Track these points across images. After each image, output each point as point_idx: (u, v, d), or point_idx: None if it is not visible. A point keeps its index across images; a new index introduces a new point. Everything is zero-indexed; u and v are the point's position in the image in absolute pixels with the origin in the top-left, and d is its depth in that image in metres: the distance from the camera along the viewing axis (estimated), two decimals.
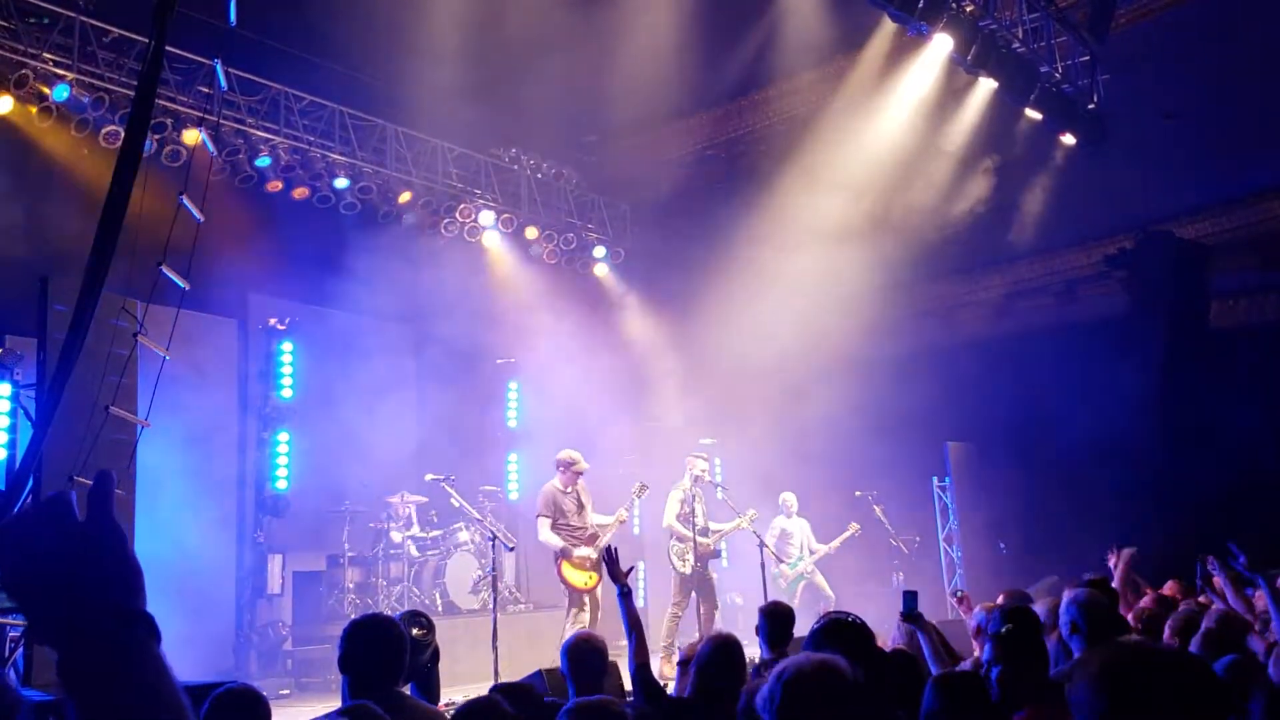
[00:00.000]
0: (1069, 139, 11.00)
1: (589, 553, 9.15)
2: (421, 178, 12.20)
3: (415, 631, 4.63)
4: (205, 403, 9.51)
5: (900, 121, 11.33)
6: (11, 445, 7.32)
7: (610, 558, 5.40)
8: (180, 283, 5.82)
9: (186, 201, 5.67)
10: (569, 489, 9.36)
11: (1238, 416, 11.58)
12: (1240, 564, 5.70)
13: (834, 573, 12.13)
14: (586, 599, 9.14)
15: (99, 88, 9.39)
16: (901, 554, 12.61)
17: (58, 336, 6.64)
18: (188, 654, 8.46)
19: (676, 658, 6.56)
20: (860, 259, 12.09)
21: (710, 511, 10.41)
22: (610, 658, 5.03)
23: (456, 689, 7.65)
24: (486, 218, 12.73)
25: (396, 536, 10.88)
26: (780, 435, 12.65)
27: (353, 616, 4.20)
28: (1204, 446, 11.29)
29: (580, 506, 9.40)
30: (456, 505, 9.77)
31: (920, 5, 9.08)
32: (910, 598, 5.24)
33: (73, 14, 9.36)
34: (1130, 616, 5.95)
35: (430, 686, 4.87)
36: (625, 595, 5.11)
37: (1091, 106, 10.91)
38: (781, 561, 11.33)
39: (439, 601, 10.82)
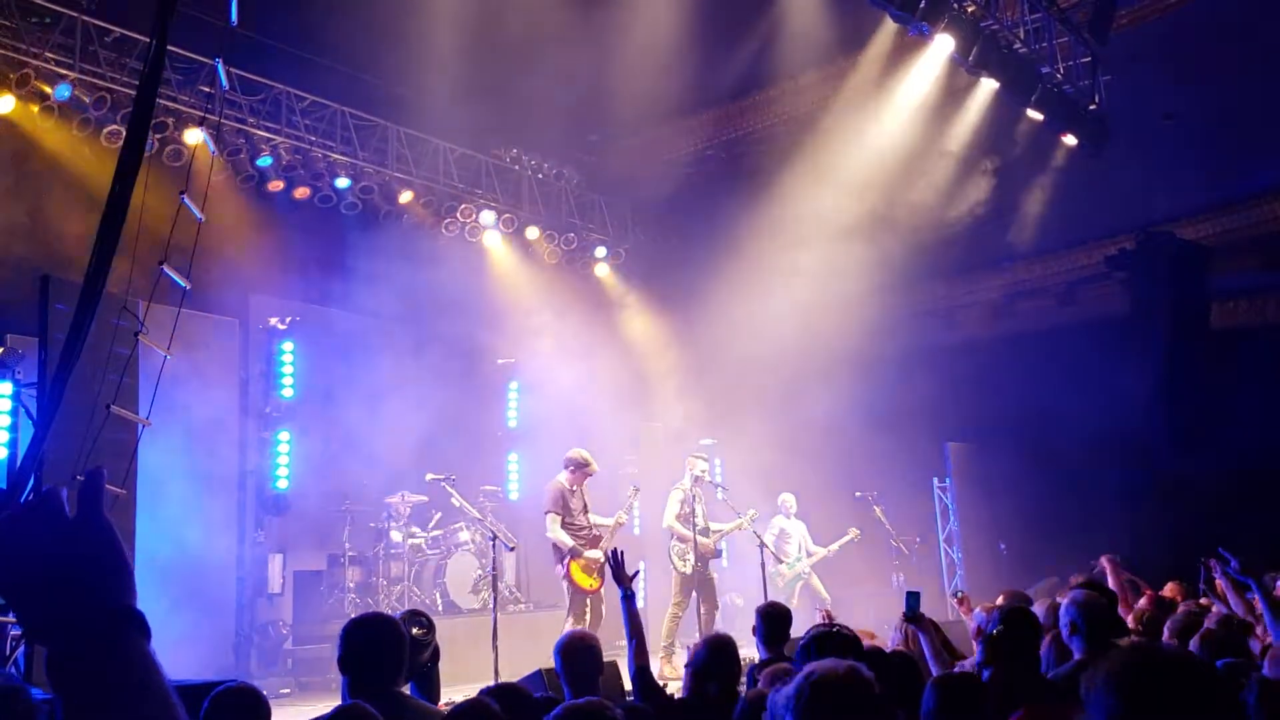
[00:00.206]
0: (1070, 140, 11.00)
1: (596, 555, 9.14)
2: (422, 178, 12.21)
3: (415, 631, 4.63)
4: (206, 402, 9.50)
5: (902, 122, 11.33)
6: (13, 444, 7.32)
7: (616, 561, 5.39)
8: (181, 282, 5.82)
9: (188, 201, 5.67)
10: (575, 488, 9.32)
11: (1238, 417, 11.58)
12: (1233, 569, 5.69)
13: (834, 574, 12.13)
14: (589, 601, 9.12)
15: (100, 87, 9.40)
16: (902, 554, 12.62)
17: (59, 336, 6.64)
18: (188, 653, 8.46)
19: (677, 658, 6.57)
20: (861, 259, 12.09)
21: (710, 512, 10.40)
22: (611, 657, 5.03)
23: (457, 689, 7.64)
24: (487, 218, 12.74)
25: (397, 536, 10.89)
26: (780, 435, 12.66)
27: (352, 616, 4.20)
28: (1205, 447, 11.30)
29: (584, 507, 9.38)
30: (457, 505, 9.77)
31: (922, 5, 9.08)
32: (913, 598, 5.24)
33: (74, 13, 9.37)
34: (1129, 618, 5.95)
35: (430, 686, 4.87)
36: (629, 598, 5.11)
37: (1093, 107, 10.91)
38: (781, 561, 11.33)
39: (439, 601, 10.83)
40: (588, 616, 9.06)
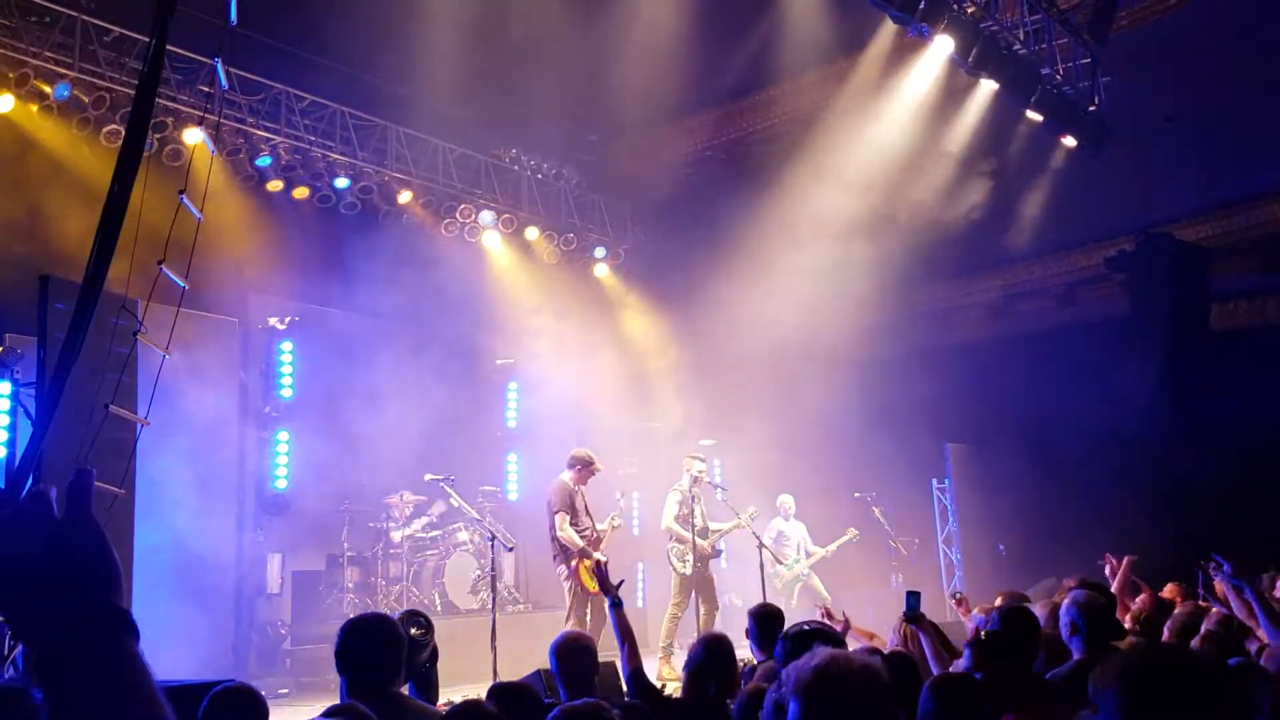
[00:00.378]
0: (1070, 141, 11.01)
1: (600, 556, 9.13)
2: (422, 177, 12.21)
3: (414, 631, 4.62)
4: (205, 402, 9.49)
5: (901, 123, 11.33)
6: (11, 443, 7.32)
7: (600, 572, 5.40)
8: (180, 282, 5.81)
9: (187, 201, 5.67)
10: (579, 488, 9.29)
11: (1238, 418, 11.58)
12: (1226, 572, 5.69)
13: (833, 574, 12.13)
14: (591, 603, 9.10)
15: (100, 86, 9.40)
16: (900, 555, 12.62)
17: (58, 335, 6.63)
18: (187, 652, 8.45)
19: (676, 659, 6.57)
20: (861, 260, 12.09)
21: (710, 512, 10.40)
22: (609, 658, 5.03)
23: (455, 689, 7.63)
24: (487, 218, 12.74)
25: (396, 536, 10.88)
26: (780, 436, 12.65)
27: (351, 616, 4.20)
28: (1205, 449, 11.30)
29: (586, 508, 9.35)
30: (456, 505, 9.76)
31: (921, 6, 9.09)
32: (913, 598, 5.24)
33: (74, 13, 9.37)
34: (1126, 618, 5.95)
35: (429, 686, 4.86)
36: (616, 606, 5.13)
37: (1092, 108, 10.91)
38: (779, 563, 11.32)
39: (438, 601, 10.82)
40: (588, 619, 9.04)
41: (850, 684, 2.28)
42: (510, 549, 9.81)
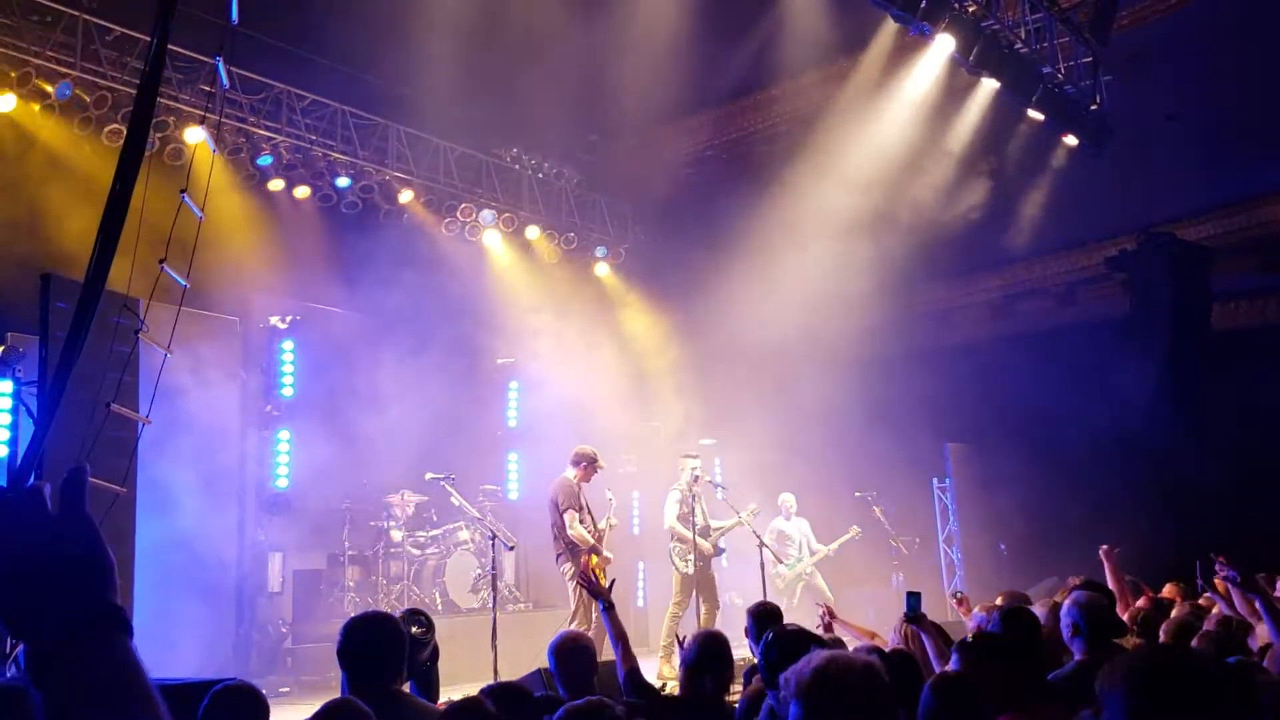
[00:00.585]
0: (1071, 140, 11.00)
1: (609, 555, 9.16)
2: (423, 177, 12.21)
3: (415, 630, 4.64)
4: (206, 401, 9.50)
5: (902, 122, 11.33)
6: (13, 442, 7.32)
7: (588, 581, 5.41)
8: (181, 281, 5.81)
9: (188, 199, 5.67)
10: (582, 486, 9.30)
11: (1239, 418, 11.58)
12: (1232, 577, 5.68)
13: (834, 573, 12.14)
14: (594, 605, 9.09)
15: (101, 86, 9.41)
16: (901, 555, 12.62)
17: (59, 334, 6.64)
18: (188, 651, 8.46)
19: (676, 658, 6.56)
20: (862, 259, 12.09)
21: (711, 511, 10.40)
22: (608, 657, 5.04)
23: (456, 688, 7.63)
24: (487, 217, 12.74)
25: (396, 535, 10.89)
26: (780, 435, 12.65)
27: (352, 615, 4.21)
28: (1205, 448, 11.30)
29: (587, 506, 9.35)
30: (457, 504, 9.77)
31: (922, 5, 9.08)
32: (914, 599, 5.23)
33: (75, 12, 9.37)
34: (1125, 618, 5.95)
35: (429, 685, 4.87)
36: (609, 609, 5.15)
37: (1094, 108, 10.90)
38: (780, 562, 11.32)
39: (439, 600, 10.83)
40: (594, 616, 9.04)
41: (851, 684, 2.28)
42: (511, 548, 9.80)
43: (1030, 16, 10.35)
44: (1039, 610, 5.35)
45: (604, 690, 5.00)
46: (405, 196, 12.06)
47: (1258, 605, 5.36)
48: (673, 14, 10.17)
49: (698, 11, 10.21)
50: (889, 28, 10.50)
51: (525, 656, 8.14)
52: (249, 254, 10.46)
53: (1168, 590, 7.81)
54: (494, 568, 8.63)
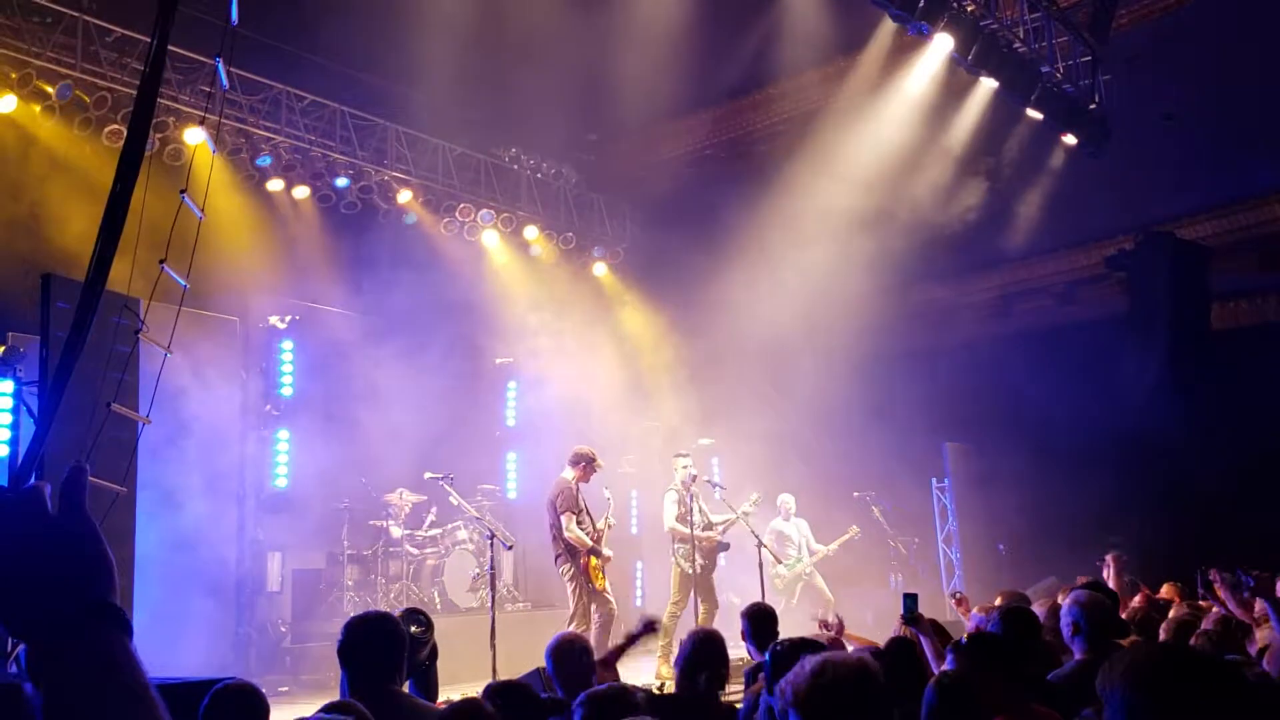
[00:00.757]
0: (1070, 139, 11.00)
1: (609, 554, 9.16)
2: (421, 177, 12.22)
3: (414, 629, 4.64)
4: (206, 400, 9.51)
5: (901, 121, 11.33)
6: (14, 442, 7.33)
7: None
8: (181, 281, 5.82)
9: (188, 200, 5.67)
10: (580, 486, 9.30)
11: (1238, 418, 11.58)
12: (1248, 582, 5.70)
13: (832, 573, 12.14)
14: (596, 602, 9.10)
15: (101, 86, 9.41)
16: (900, 555, 12.63)
17: (60, 334, 6.64)
18: (187, 650, 8.47)
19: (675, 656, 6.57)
20: (861, 259, 12.09)
21: (710, 509, 10.39)
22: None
23: (454, 687, 7.64)
24: (486, 217, 12.74)
25: (395, 534, 10.89)
26: (779, 435, 12.66)
27: (352, 614, 4.22)
28: (1204, 448, 11.30)
29: (585, 507, 9.35)
30: (455, 504, 9.77)
31: (921, 5, 9.07)
32: (910, 600, 5.23)
33: (75, 13, 9.38)
34: (1122, 617, 5.96)
35: (428, 684, 4.88)
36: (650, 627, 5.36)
37: (1093, 107, 10.90)
38: (779, 562, 11.32)
39: (437, 600, 10.83)
40: (594, 617, 9.04)
41: (845, 687, 2.29)
42: (509, 547, 9.81)
43: (1029, 16, 10.36)
44: (1038, 610, 5.36)
45: None
46: (404, 196, 12.07)
47: (1264, 606, 5.37)
48: (671, 13, 10.17)
49: (696, 11, 10.21)
50: (888, 27, 10.50)
51: (524, 656, 8.12)
52: (248, 254, 10.47)
53: (1165, 590, 7.83)
54: (493, 567, 8.63)
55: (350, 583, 10.59)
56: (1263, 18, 9.91)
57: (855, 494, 12.59)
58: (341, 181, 11.44)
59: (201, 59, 9.81)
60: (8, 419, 7.42)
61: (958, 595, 8.00)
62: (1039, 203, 12.33)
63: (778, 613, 5.61)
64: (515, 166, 13.31)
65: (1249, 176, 12.39)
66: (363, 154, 11.66)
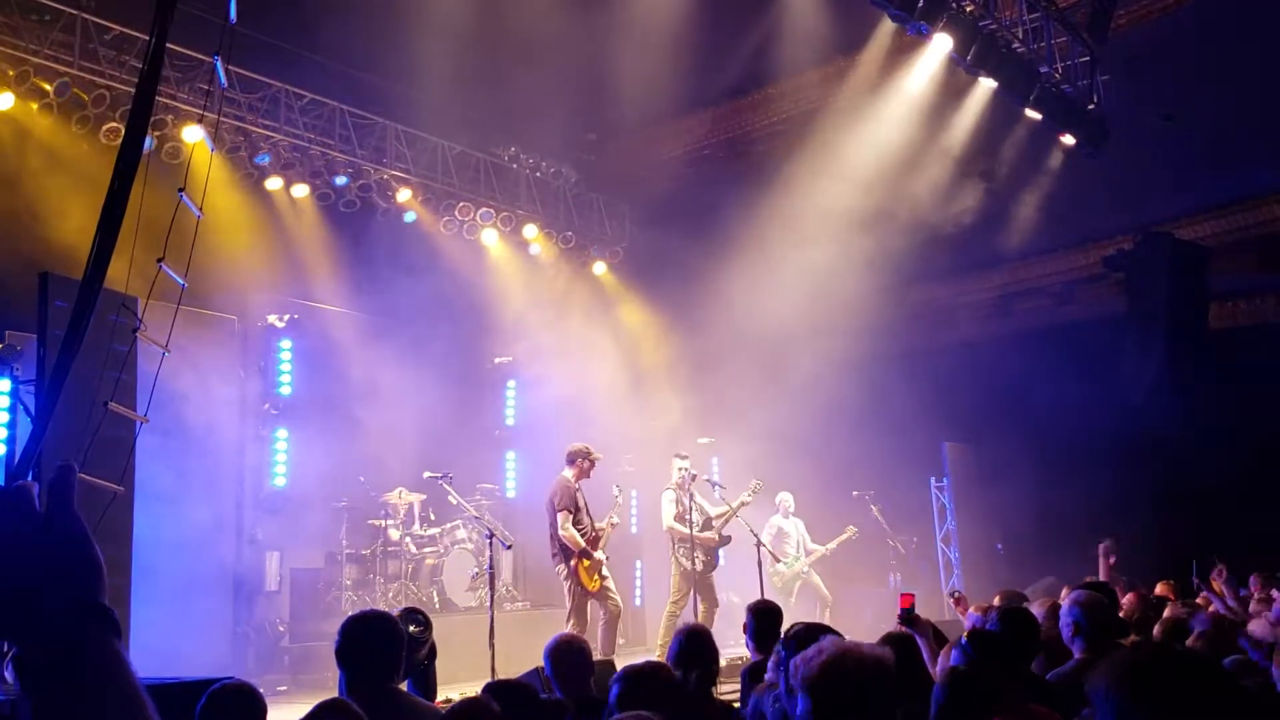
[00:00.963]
0: (1068, 139, 11.00)
1: (601, 555, 9.14)
2: (421, 175, 12.21)
3: (412, 629, 4.64)
4: (204, 399, 9.51)
5: (900, 121, 11.33)
6: (11, 441, 7.33)
7: None
8: (179, 280, 5.81)
9: (186, 198, 5.66)
10: (580, 485, 9.28)
11: (1237, 418, 11.59)
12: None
13: (831, 573, 12.14)
14: (591, 604, 9.10)
15: (100, 84, 9.40)
16: (899, 554, 12.63)
17: (57, 332, 6.64)
18: (185, 650, 8.45)
19: None
20: (860, 259, 12.09)
21: (711, 506, 10.39)
22: (609, 657, 5.04)
23: (453, 686, 7.65)
24: (485, 216, 12.74)
25: (394, 534, 10.89)
26: (778, 434, 12.65)
27: (350, 613, 4.22)
28: (1203, 447, 11.31)
29: (585, 506, 9.34)
30: (454, 503, 9.77)
31: (920, 5, 9.07)
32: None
33: (74, 11, 9.37)
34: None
35: (427, 683, 4.88)
36: None
37: (1091, 107, 10.90)
38: (778, 561, 11.32)
39: (436, 599, 10.83)
40: (588, 617, 9.04)
41: (862, 677, 2.27)
42: (509, 547, 9.80)
43: (1028, 16, 10.35)
44: (1036, 610, 5.35)
45: (602, 691, 5.00)
46: (403, 195, 12.06)
47: (1243, 593, 5.40)
48: (671, 13, 10.17)
49: (696, 11, 10.21)
50: (887, 27, 10.49)
51: (523, 656, 8.13)
52: (247, 253, 10.46)
53: (1160, 589, 7.83)
54: (491, 566, 8.63)
55: (349, 582, 10.58)
56: (1262, 18, 9.90)
57: (854, 493, 12.59)
58: (340, 180, 11.43)
59: (200, 57, 9.80)
60: (5, 418, 7.41)
61: (956, 594, 8.01)
62: (1037, 203, 12.33)
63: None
64: (515, 165, 13.31)
65: (1247, 177, 12.40)
66: (362, 152, 11.65)
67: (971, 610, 6.09)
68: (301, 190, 11.22)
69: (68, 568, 1.09)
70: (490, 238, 13.03)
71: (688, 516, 9.91)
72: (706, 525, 10.10)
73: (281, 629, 10.16)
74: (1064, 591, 6.47)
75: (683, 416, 13.10)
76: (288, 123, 10.97)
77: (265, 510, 10.44)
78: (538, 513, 9.68)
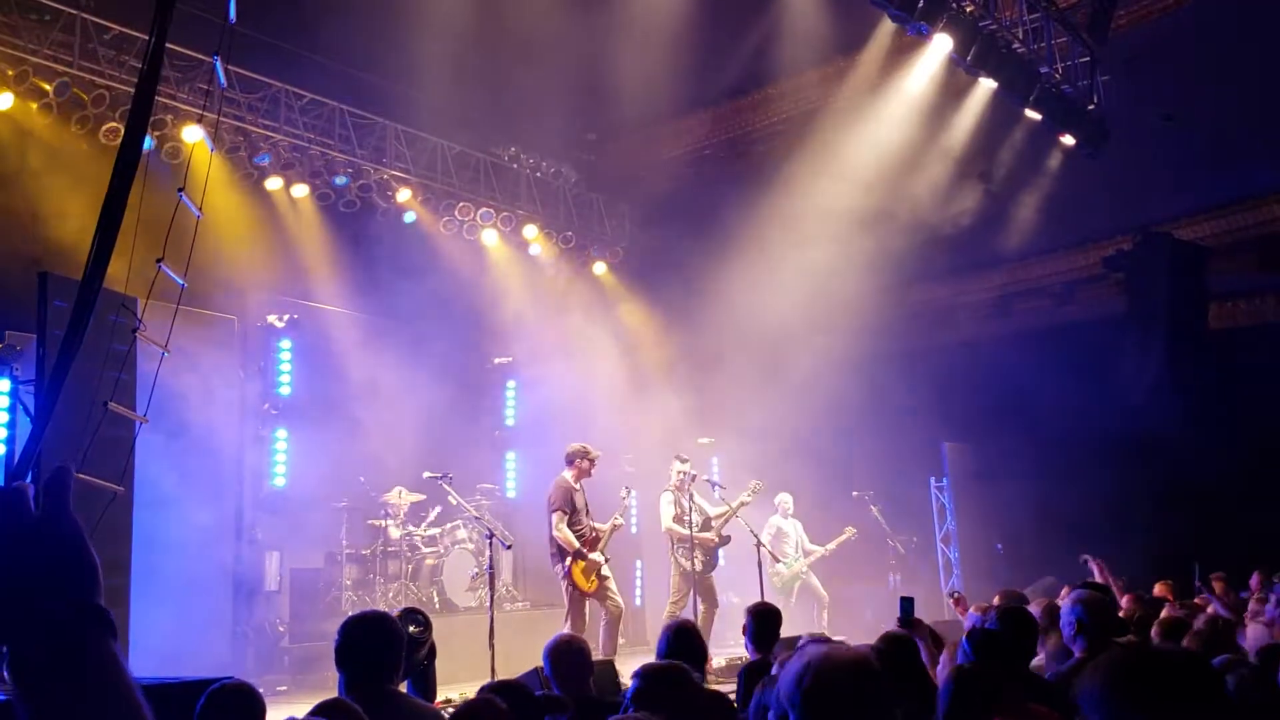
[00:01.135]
0: (1068, 140, 11.00)
1: (598, 557, 9.11)
2: (421, 175, 12.21)
3: (412, 629, 4.64)
4: (204, 399, 9.50)
5: (900, 121, 11.33)
6: (10, 441, 7.33)
7: None
8: (179, 280, 5.81)
9: (186, 198, 5.66)
10: (580, 486, 9.27)
11: (1237, 418, 11.59)
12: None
13: (831, 573, 12.14)
14: (586, 605, 9.09)
15: (99, 84, 9.40)
16: (898, 554, 12.63)
17: (57, 332, 6.64)
18: (184, 650, 8.45)
19: None
20: (859, 259, 12.09)
21: (710, 506, 10.39)
22: (610, 658, 5.04)
23: (453, 687, 7.65)
24: (485, 216, 12.74)
25: (394, 534, 10.89)
26: (778, 434, 12.66)
27: (350, 614, 4.21)
28: (1202, 448, 11.31)
29: (585, 507, 9.32)
30: (454, 503, 9.76)
31: (920, 5, 9.07)
32: (907, 604, 5.23)
33: (73, 10, 9.37)
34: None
35: (427, 684, 4.88)
36: None
37: (1091, 107, 10.91)
38: (778, 561, 11.32)
39: (436, 599, 10.82)
40: (586, 617, 9.03)
41: (844, 681, 2.27)
42: (508, 547, 9.80)
43: (1028, 16, 10.36)
44: (1035, 610, 5.36)
45: (601, 691, 5.00)
46: (403, 195, 12.06)
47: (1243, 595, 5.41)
48: (671, 13, 10.17)
49: (696, 10, 10.21)
50: (887, 27, 10.50)
51: (523, 655, 8.12)
52: (247, 253, 10.46)
53: (1158, 589, 7.84)
54: (491, 566, 8.63)
55: (349, 582, 10.58)
56: (1262, 18, 9.91)
57: (854, 493, 12.59)
58: (340, 180, 11.43)
59: (200, 57, 9.80)
60: (5, 418, 7.42)
61: (956, 595, 8.02)
62: (1037, 203, 12.33)
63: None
64: (515, 165, 13.31)
65: (1247, 177, 12.40)
66: (362, 152, 11.65)
67: (971, 610, 6.09)
68: (301, 190, 11.22)
69: (63, 569, 1.08)
70: (490, 238, 13.03)
71: (686, 517, 9.91)
72: (706, 526, 10.10)
73: (281, 629, 10.15)
74: (1064, 591, 6.48)
75: (683, 416, 13.09)
76: (287, 123, 10.97)
77: (265, 510, 10.44)
78: (538, 513, 9.68)
